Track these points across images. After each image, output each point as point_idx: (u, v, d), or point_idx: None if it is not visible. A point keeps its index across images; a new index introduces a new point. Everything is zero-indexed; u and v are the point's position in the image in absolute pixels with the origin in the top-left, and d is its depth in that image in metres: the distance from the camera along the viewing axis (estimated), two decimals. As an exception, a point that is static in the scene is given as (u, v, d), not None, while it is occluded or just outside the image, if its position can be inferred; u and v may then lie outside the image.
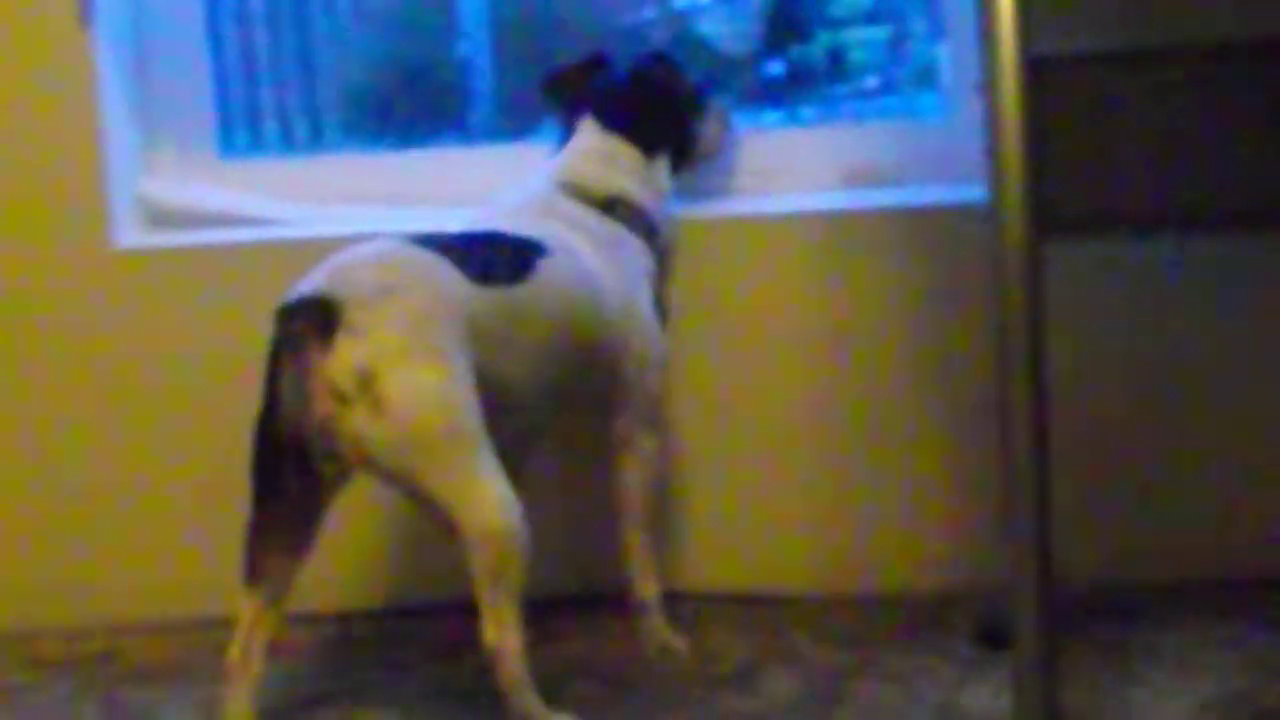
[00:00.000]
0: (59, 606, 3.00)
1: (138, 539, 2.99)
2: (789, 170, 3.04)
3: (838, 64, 3.35)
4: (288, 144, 3.38)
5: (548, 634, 2.74)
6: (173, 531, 2.99)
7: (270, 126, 3.37)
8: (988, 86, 2.12)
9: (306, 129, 3.41)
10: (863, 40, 3.37)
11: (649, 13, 3.32)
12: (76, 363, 2.96)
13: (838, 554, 2.94)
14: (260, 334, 2.88)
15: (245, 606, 2.42)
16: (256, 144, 3.33)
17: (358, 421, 2.24)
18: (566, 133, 2.82)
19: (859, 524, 2.93)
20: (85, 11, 2.89)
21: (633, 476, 2.67)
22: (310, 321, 2.25)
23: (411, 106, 3.43)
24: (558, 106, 2.88)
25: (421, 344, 2.27)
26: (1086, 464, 2.73)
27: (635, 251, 2.71)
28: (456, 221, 2.64)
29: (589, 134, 2.78)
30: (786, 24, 3.33)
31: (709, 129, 2.91)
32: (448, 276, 2.36)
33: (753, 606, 2.88)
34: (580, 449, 2.78)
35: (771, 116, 3.26)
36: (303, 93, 3.42)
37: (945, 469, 2.89)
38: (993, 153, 2.12)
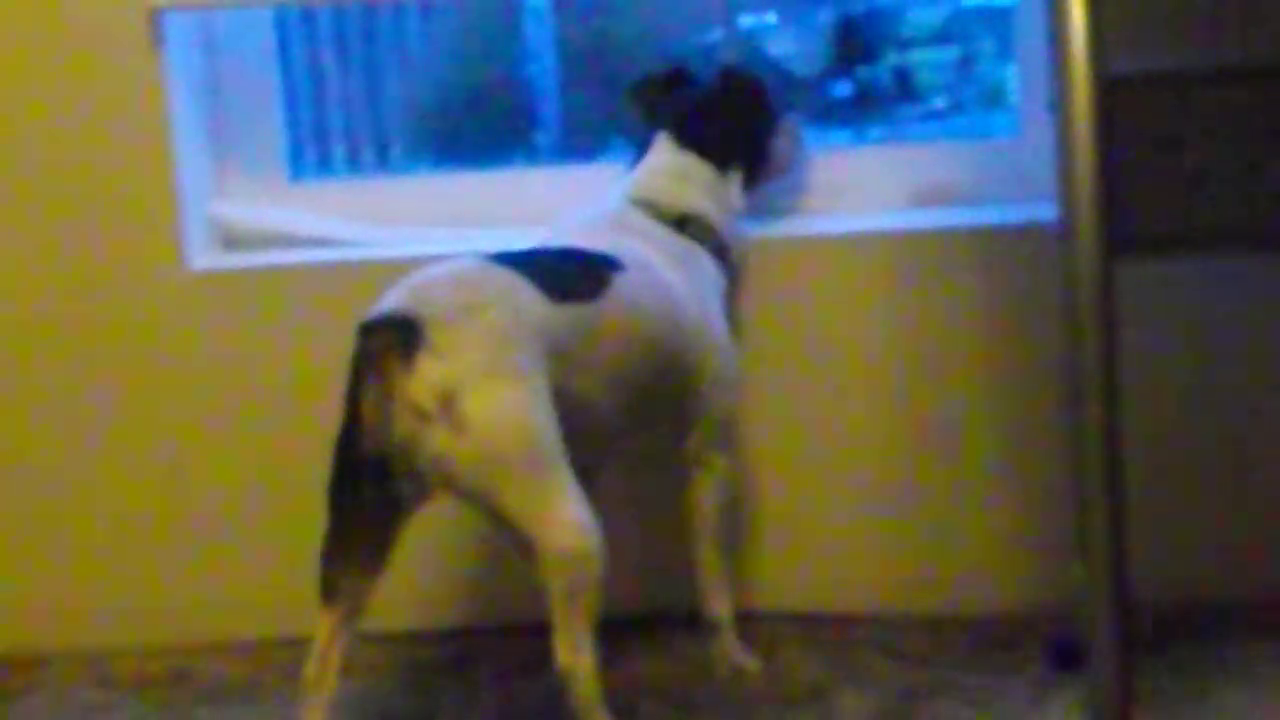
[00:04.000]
0: (131, 627, 3.02)
1: (209, 559, 3.00)
2: (857, 189, 3.03)
3: (905, 84, 3.35)
4: (355, 166, 3.39)
5: (617, 654, 2.74)
6: (244, 551, 3.00)
7: (338, 149, 3.39)
8: (1060, 106, 2.11)
9: (374, 151, 3.42)
10: (931, 61, 3.36)
11: (716, 34, 3.32)
12: (150, 384, 2.98)
13: (910, 574, 2.93)
14: (331, 353, 2.89)
15: (321, 624, 2.42)
16: (324, 166, 3.35)
17: (439, 440, 2.24)
18: (641, 146, 2.81)
19: (931, 543, 2.92)
20: (157, 36, 2.91)
21: (706, 494, 2.66)
22: (392, 340, 2.25)
23: (478, 128, 3.43)
24: (635, 116, 2.87)
25: (502, 363, 2.27)
26: (1160, 482, 2.72)
27: (708, 268, 2.70)
28: (530, 239, 2.65)
29: (664, 151, 2.78)
30: (854, 44, 3.33)
31: (781, 145, 2.89)
32: (527, 295, 2.35)
33: (824, 626, 2.87)
34: (650, 467, 2.78)
35: (839, 137, 3.26)
36: (370, 115, 3.44)
37: (1017, 488, 2.88)
38: (1064, 172, 2.11)
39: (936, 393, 2.89)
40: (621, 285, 2.49)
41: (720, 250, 2.74)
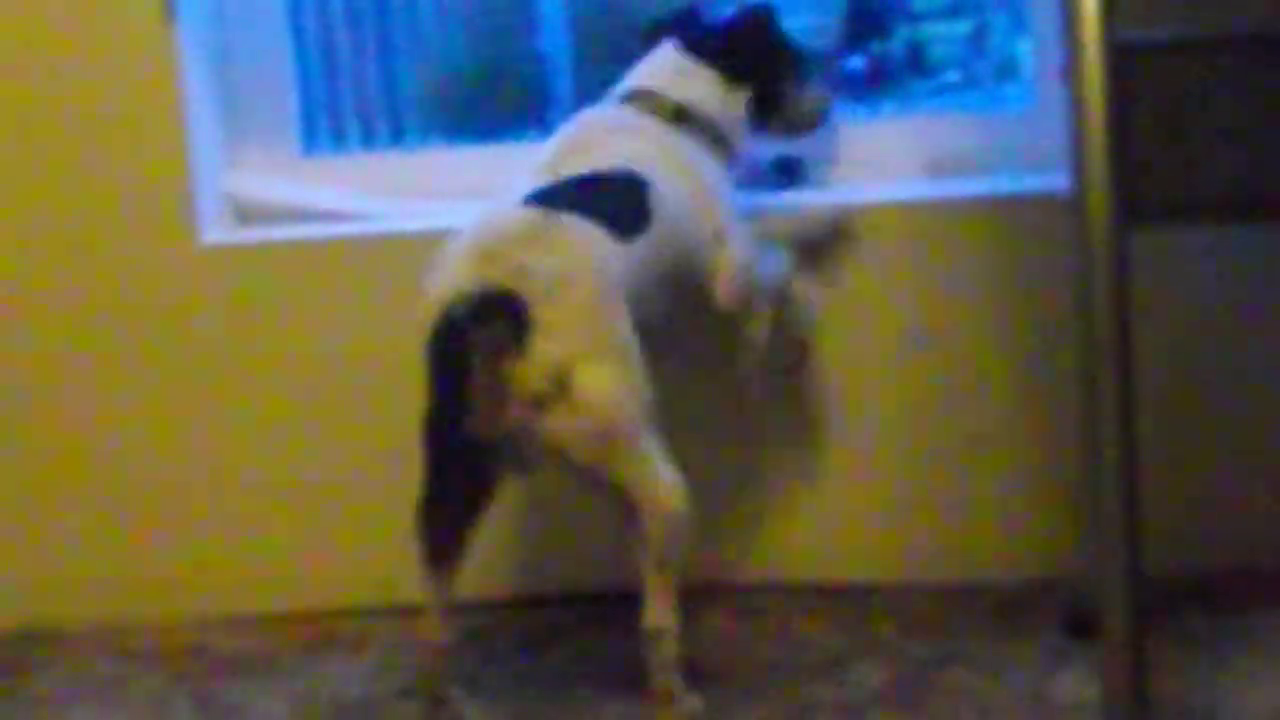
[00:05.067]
0: (148, 600, 3.03)
1: (227, 533, 3.02)
2: (871, 161, 3.03)
3: (918, 58, 3.35)
4: (369, 140, 3.39)
5: (633, 624, 2.75)
6: (262, 526, 3.01)
7: (351, 123, 3.39)
8: (1071, 73, 2.11)
9: (387, 125, 3.42)
10: (943, 35, 3.36)
11: (729, 8, 3.32)
12: (165, 357, 2.99)
13: (924, 543, 2.93)
14: (344, 326, 2.94)
15: (431, 586, 2.45)
16: (338, 140, 3.35)
17: (556, 422, 2.24)
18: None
19: (945, 513, 2.92)
20: (170, 10, 2.92)
21: (755, 331, 2.69)
22: (503, 329, 2.22)
23: (491, 102, 3.43)
24: (651, 44, 2.83)
25: (606, 332, 2.28)
26: (1173, 451, 2.71)
27: (707, 163, 2.67)
28: (526, 152, 2.66)
29: (665, 51, 2.76)
30: (867, 19, 3.33)
31: (805, 98, 2.85)
32: (606, 247, 2.35)
33: (840, 597, 2.88)
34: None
35: (853, 111, 3.26)
36: (384, 89, 3.44)
37: (1031, 457, 2.88)
38: (1077, 141, 2.11)
39: (950, 362, 2.89)
40: (657, 204, 2.48)
41: (720, 140, 2.72)
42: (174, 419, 3.00)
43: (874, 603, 2.85)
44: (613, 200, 2.45)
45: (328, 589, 2.99)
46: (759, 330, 2.69)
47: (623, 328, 2.30)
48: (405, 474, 2.91)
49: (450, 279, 2.30)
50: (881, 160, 3.04)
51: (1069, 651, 2.59)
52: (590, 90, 3.30)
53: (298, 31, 3.19)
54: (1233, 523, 2.85)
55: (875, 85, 3.30)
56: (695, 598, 2.68)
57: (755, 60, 2.79)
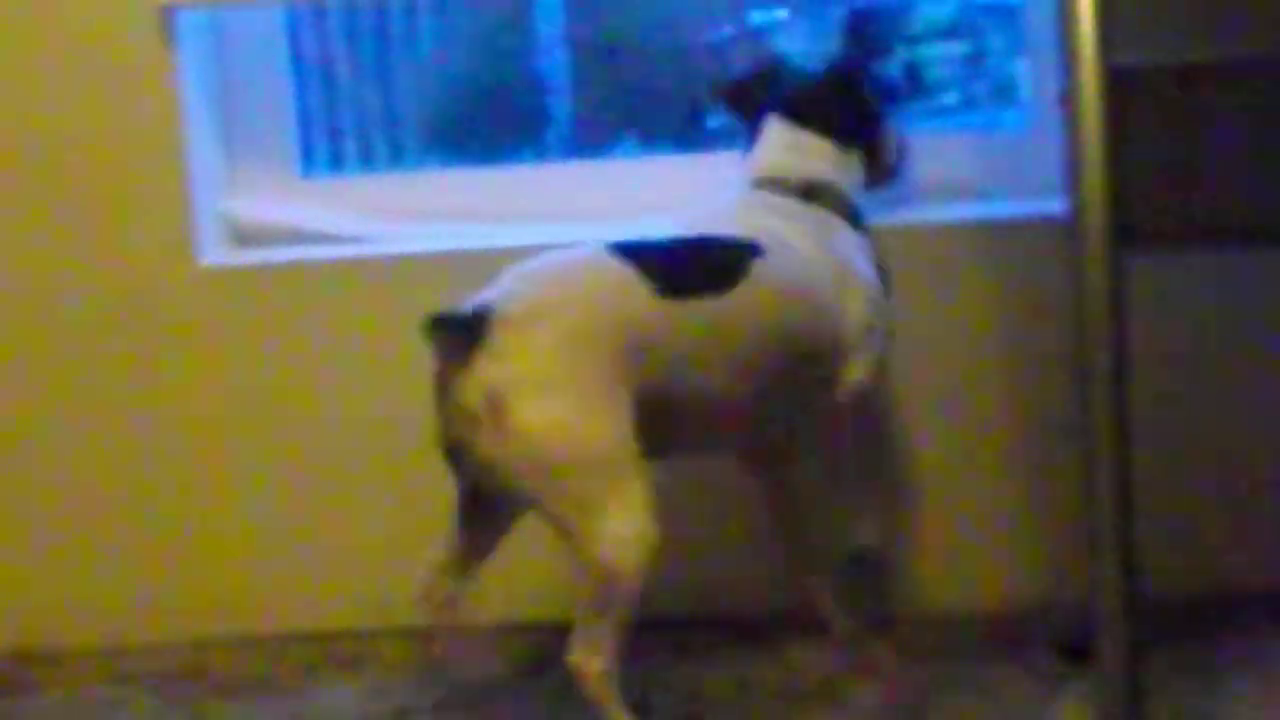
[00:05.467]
0: (145, 622, 3.03)
1: (224, 554, 3.01)
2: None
3: (915, 80, 3.35)
4: (367, 162, 3.40)
5: (633, 652, 2.75)
6: (258, 546, 3.01)
7: (350, 144, 3.39)
8: (1069, 97, 2.12)
9: (386, 147, 3.43)
10: (941, 56, 3.36)
11: (727, 30, 3.32)
12: (162, 379, 2.98)
13: (918, 569, 2.93)
14: (342, 348, 2.93)
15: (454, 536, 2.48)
16: (336, 162, 3.36)
17: (486, 441, 2.23)
18: (750, 138, 2.74)
19: (939, 539, 2.92)
20: (170, 31, 2.92)
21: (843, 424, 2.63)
22: (453, 339, 2.25)
23: (490, 124, 3.44)
24: (740, 115, 2.79)
25: (563, 371, 2.24)
26: (1169, 475, 2.72)
27: (844, 231, 2.63)
28: (648, 227, 2.58)
29: (777, 130, 2.70)
30: (865, 40, 3.33)
31: (891, 146, 2.80)
32: (628, 293, 2.31)
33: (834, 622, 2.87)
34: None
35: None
36: (382, 111, 3.45)
37: (1026, 481, 2.89)
38: (1073, 165, 2.11)
39: (946, 386, 2.90)
40: (761, 272, 2.43)
41: (853, 215, 2.67)
42: (171, 440, 3.00)
43: (869, 628, 2.85)
44: (689, 260, 2.42)
45: (325, 610, 2.99)
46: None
47: (596, 370, 2.25)
48: (403, 496, 2.94)
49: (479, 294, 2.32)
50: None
51: (1065, 676, 2.58)
52: (588, 111, 3.31)
53: (296, 54, 3.19)
54: (1229, 547, 2.85)
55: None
56: (690, 623, 2.68)
57: (860, 121, 2.74)
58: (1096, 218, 2.09)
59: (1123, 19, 2.10)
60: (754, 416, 2.51)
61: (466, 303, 2.29)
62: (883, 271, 2.66)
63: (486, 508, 2.42)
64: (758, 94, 2.76)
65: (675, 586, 2.69)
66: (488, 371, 2.22)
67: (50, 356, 2.99)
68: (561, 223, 3.03)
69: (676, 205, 2.73)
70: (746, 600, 2.85)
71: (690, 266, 2.40)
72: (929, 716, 2.52)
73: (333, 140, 3.36)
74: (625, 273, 2.32)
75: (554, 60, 3.38)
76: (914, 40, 3.37)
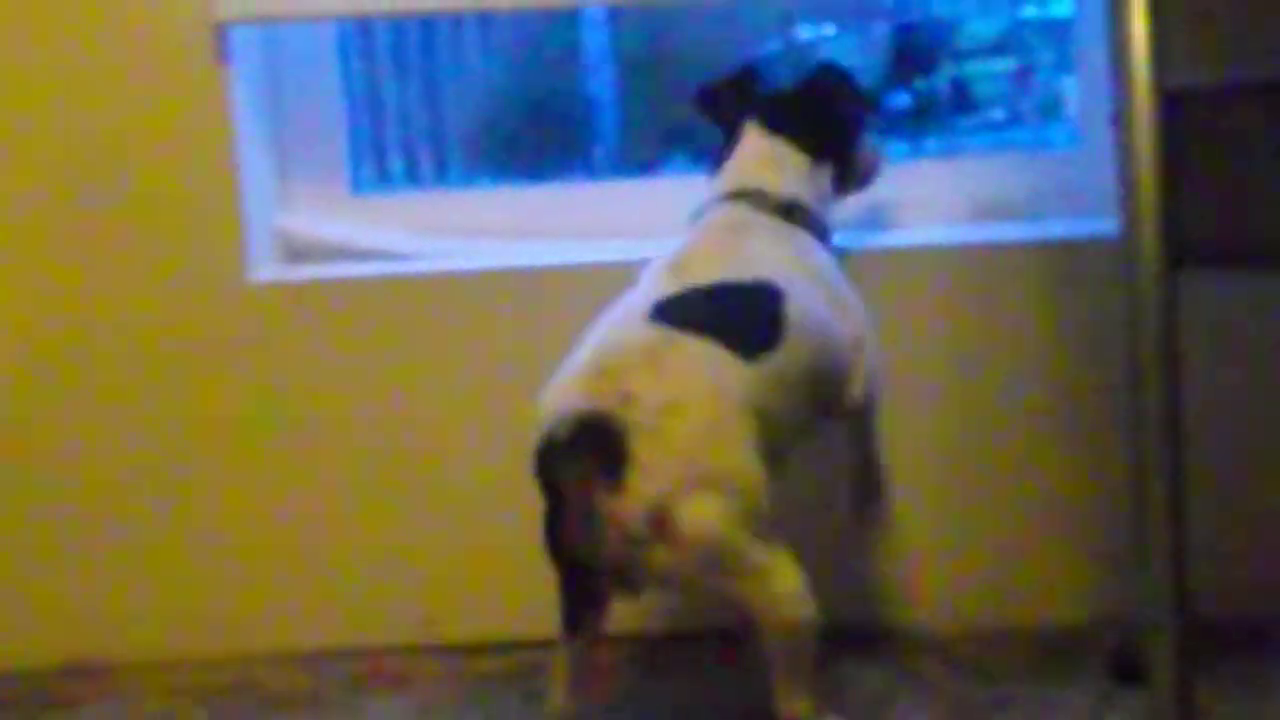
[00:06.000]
0: (196, 636, 3.03)
1: (273, 569, 3.02)
2: (917, 203, 3.03)
3: (963, 96, 3.35)
4: (413, 179, 3.41)
5: (666, 669, 2.76)
6: (306, 561, 3.01)
7: (396, 161, 3.40)
8: (1121, 118, 2.11)
9: (432, 164, 3.44)
10: (988, 72, 3.36)
11: (774, 45, 3.33)
12: (212, 394, 2.99)
13: (969, 586, 2.93)
14: (392, 365, 2.94)
15: (562, 655, 2.38)
16: (383, 178, 3.37)
17: (657, 559, 2.17)
18: (726, 141, 2.71)
19: (990, 555, 2.92)
20: (223, 49, 2.94)
21: (869, 427, 2.65)
22: (593, 463, 2.15)
23: (537, 142, 3.44)
24: (713, 116, 2.77)
25: (711, 464, 2.19)
26: (1222, 495, 2.71)
27: (821, 251, 2.61)
28: (642, 251, 2.58)
29: (756, 138, 2.68)
30: (912, 56, 3.33)
31: (864, 155, 2.79)
32: (724, 368, 2.27)
33: (885, 639, 2.88)
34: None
35: (897, 149, 3.26)
36: (429, 128, 3.45)
37: (1078, 500, 2.88)
38: (1126, 185, 2.11)
39: (997, 407, 2.89)
40: (792, 316, 2.40)
41: (824, 231, 2.66)
42: (220, 455, 3.01)
43: (920, 645, 2.85)
44: (742, 315, 2.39)
45: (372, 626, 3.00)
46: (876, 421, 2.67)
47: (734, 450, 2.23)
48: (450, 512, 2.94)
49: (558, 398, 2.24)
50: (927, 202, 3.04)
51: (1116, 696, 2.57)
52: (635, 129, 3.32)
53: (346, 71, 3.20)
54: (1281, 567, 2.84)
55: (919, 122, 3.31)
56: (737, 640, 2.67)
57: (837, 132, 2.74)
58: (1149, 239, 2.09)
59: (1175, 40, 2.10)
60: (803, 432, 2.50)
61: (562, 413, 2.19)
62: None
63: (598, 604, 2.38)
64: (734, 99, 2.74)
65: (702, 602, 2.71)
66: (647, 489, 2.14)
67: (101, 370, 3.00)
68: (610, 239, 3.04)
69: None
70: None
71: (740, 324, 2.36)
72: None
73: (380, 157, 3.37)
74: (709, 348, 2.28)
75: (601, 77, 3.38)
76: (962, 56, 3.37)
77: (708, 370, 2.26)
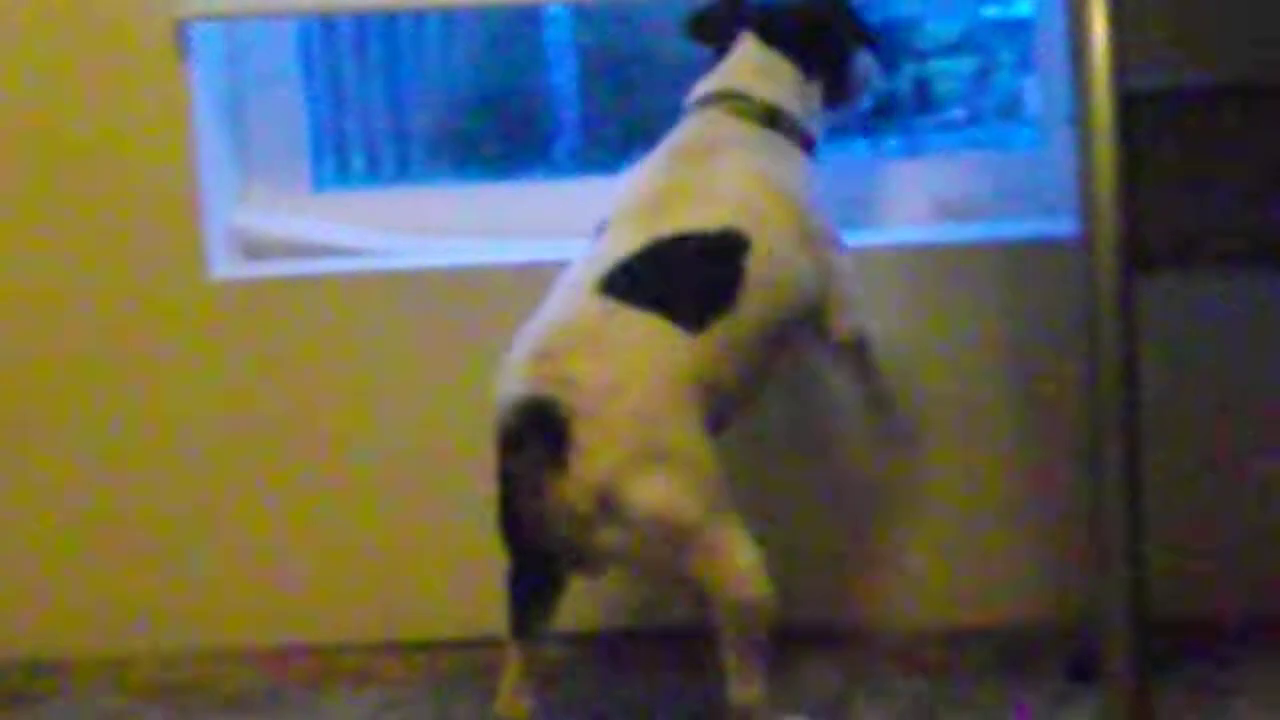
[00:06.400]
0: (152, 633, 3.02)
1: (231, 566, 3.01)
2: (878, 201, 3.04)
3: (923, 95, 3.35)
4: (374, 175, 3.40)
5: (634, 664, 2.76)
6: (266, 558, 3.01)
7: (357, 158, 3.40)
8: (1080, 120, 2.12)
9: (394, 161, 3.43)
10: (948, 71, 3.37)
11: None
12: (171, 391, 2.98)
13: (927, 587, 2.93)
14: (351, 362, 2.93)
15: (512, 656, 2.39)
16: (343, 175, 3.36)
17: (608, 539, 2.20)
18: (719, 55, 2.70)
19: (948, 556, 2.92)
20: (183, 45, 2.93)
21: (868, 364, 2.64)
22: (539, 443, 2.18)
23: (499, 138, 3.44)
24: (708, 40, 2.74)
25: (657, 440, 2.21)
26: (1179, 497, 2.73)
27: (801, 163, 2.61)
28: (617, 181, 2.58)
29: (746, 45, 2.67)
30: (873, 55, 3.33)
31: (861, 69, 2.77)
32: (668, 347, 2.28)
33: (841, 639, 2.88)
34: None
35: (858, 147, 3.27)
36: (391, 124, 3.45)
37: (1034, 501, 2.89)
38: (1085, 187, 2.12)
39: (954, 406, 2.89)
40: (753, 269, 2.40)
41: (807, 142, 2.65)
42: (180, 450, 3.00)
43: (878, 646, 2.85)
44: (697, 280, 2.38)
45: (332, 624, 2.99)
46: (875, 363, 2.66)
47: (679, 426, 2.25)
48: (412, 508, 2.94)
49: (505, 383, 2.27)
50: (887, 201, 3.05)
51: (1072, 695, 2.59)
52: (597, 124, 3.31)
53: (307, 68, 3.20)
54: (1238, 568, 2.85)
55: (880, 121, 3.31)
56: (696, 640, 2.67)
57: (832, 50, 2.72)
58: (1108, 241, 2.10)
59: (1134, 43, 2.11)
60: (765, 381, 2.52)
61: (508, 400, 2.23)
62: None
63: (546, 602, 2.39)
64: (725, 19, 2.72)
65: (684, 599, 2.71)
66: (589, 471, 2.17)
67: (59, 366, 2.99)
68: (572, 237, 3.04)
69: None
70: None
71: (693, 289, 2.36)
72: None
73: (341, 154, 3.36)
74: (652, 322, 2.29)
75: (563, 74, 3.38)
76: (922, 55, 3.37)
77: (649, 349, 2.28)
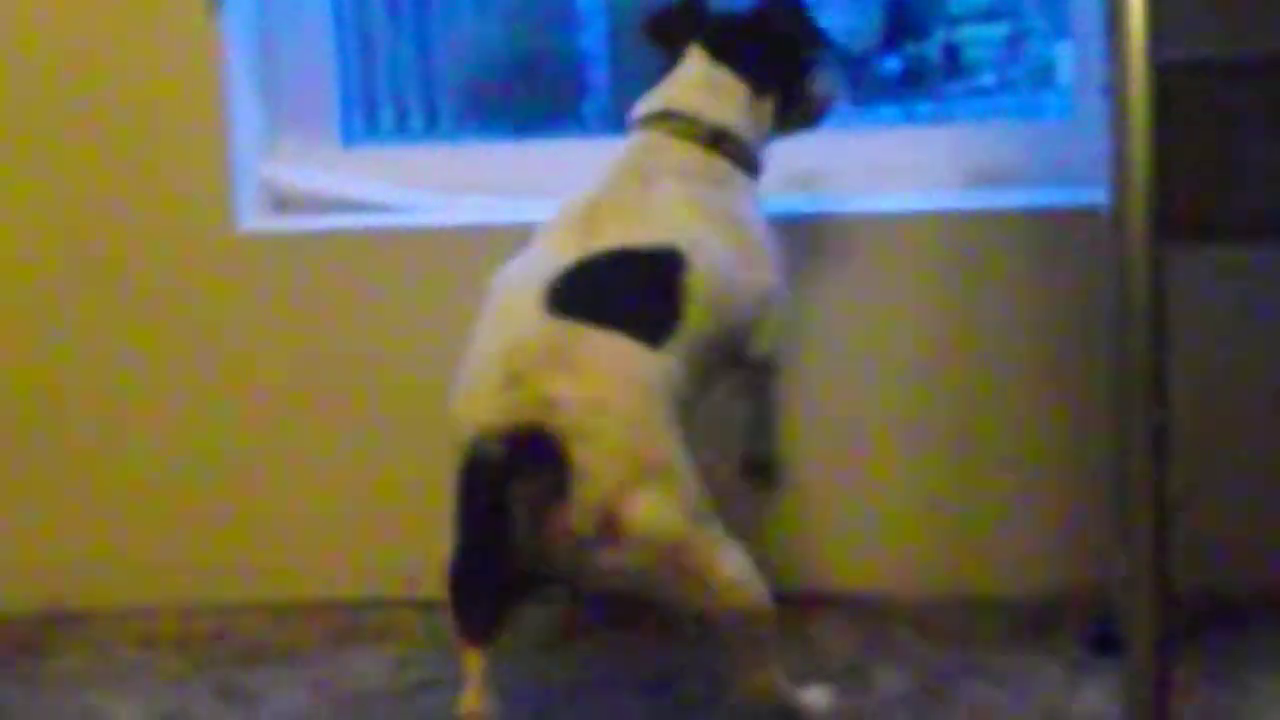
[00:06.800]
0: (172, 585, 3.04)
1: (253, 519, 3.02)
2: (908, 168, 3.03)
3: (954, 61, 3.34)
4: (403, 131, 3.40)
5: (652, 630, 2.76)
6: (289, 513, 3.02)
7: (386, 113, 3.39)
8: (1114, 90, 2.11)
9: (422, 117, 3.43)
10: (980, 38, 3.36)
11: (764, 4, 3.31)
12: (199, 344, 3.00)
13: (948, 555, 2.93)
14: (377, 318, 2.93)
15: (471, 661, 2.30)
16: (372, 130, 3.35)
17: (607, 560, 2.15)
18: (669, 65, 2.64)
19: (969, 525, 2.92)
20: (213, 0, 2.93)
21: (767, 389, 2.60)
22: (539, 473, 2.11)
23: (528, 96, 3.43)
24: (663, 45, 2.67)
25: (645, 456, 2.16)
26: (1204, 469, 2.71)
27: (744, 188, 2.56)
28: (554, 204, 2.55)
29: (694, 60, 2.61)
30: (904, 20, 3.33)
31: (819, 89, 2.72)
32: (637, 361, 2.24)
33: (861, 607, 2.88)
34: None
35: (888, 113, 3.26)
36: (420, 81, 3.44)
37: (1057, 470, 2.88)
38: (1117, 157, 2.10)
39: (981, 375, 2.89)
40: (693, 286, 2.36)
41: (752, 164, 2.60)
42: (205, 405, 3.01)
43: (896, 613, 2.85)
44: (640, 296, 2.34)
45: (352, 579, 3.00)
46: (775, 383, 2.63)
47: (664, 440, 2.21)
48: (433, 467, 2.93)
49: (477, 406, 2.20)
50: (917, 168, 3.04)
51: (1091, 667, 2.59)
52: (627, 84, 3.30)
53: (338, 23, 3.19)
54: (1262, 544, 2.84)
55: (910, 87, 3.30)
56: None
57: (785, 64, 2.67)
58: (1139, 210, 2.08)
59: (1171, 13, 2.09)
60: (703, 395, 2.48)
61: (485, 432, 2.14)
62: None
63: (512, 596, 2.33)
64: (681, 25, 2.66)
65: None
66: (592, 494, 2.11)
67: (87, 317, 3.00)
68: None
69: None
70: (770, 583, 2.85)
71: (641, 307, 2.32)
72: (951, 702, 2.52)
73: (370, 109, 3.35)
74: (613, 340, 2.24)
75: (593, 33, 3.37)
76: (954, 21, 3.36)
77: (621, 363, 2.23)
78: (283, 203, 3.11)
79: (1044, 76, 3.30)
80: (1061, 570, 2.88)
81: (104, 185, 2.97)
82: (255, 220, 3.04)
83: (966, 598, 2.89)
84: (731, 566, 2.22)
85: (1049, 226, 2.85)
